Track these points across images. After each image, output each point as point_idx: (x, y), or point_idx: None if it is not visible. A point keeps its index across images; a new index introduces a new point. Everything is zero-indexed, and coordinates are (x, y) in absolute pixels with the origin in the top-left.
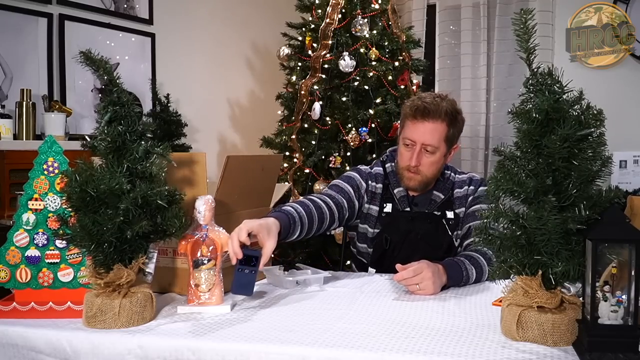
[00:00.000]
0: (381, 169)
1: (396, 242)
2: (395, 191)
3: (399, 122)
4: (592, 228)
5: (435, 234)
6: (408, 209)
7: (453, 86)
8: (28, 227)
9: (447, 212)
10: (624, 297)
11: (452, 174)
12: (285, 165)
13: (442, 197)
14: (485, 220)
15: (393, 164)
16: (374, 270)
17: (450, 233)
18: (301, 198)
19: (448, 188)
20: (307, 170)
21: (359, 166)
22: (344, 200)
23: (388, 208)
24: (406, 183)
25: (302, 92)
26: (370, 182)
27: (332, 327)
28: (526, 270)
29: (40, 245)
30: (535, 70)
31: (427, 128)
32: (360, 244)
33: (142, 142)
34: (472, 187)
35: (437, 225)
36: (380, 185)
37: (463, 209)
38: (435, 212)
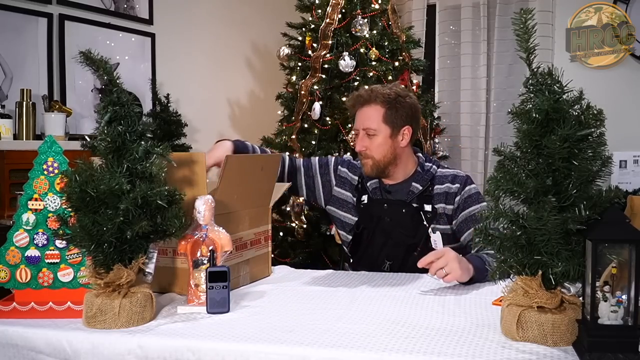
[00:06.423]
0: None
1: (369, 228)
2: (368, 184)
3: None
4: (592, 228)
5: (409, 222)
6: (380, 197)
7: (453, 86)
8: (28, 227)
9: (425, 205)
10: (624, 297)
11: (435, 167)
12: None
13: (420, 188)
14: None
15: None
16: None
17: (427, 224)
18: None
19: (427, 180)
20: None
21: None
22: (303, 168)
23: (364, 199)
24: (364, 170)
25: (302, 92)
26: (341, 167)
27: (332, 327)
28: (526, 270)
29: (40, 245)
30: (535, 70)
31: (363, 113)
32: (341, 231)
33: (142, 142)
34: (457, 185)
35: (412, 214)
36: (355, 177)
37: (443, 204)
38: (414, 204)
